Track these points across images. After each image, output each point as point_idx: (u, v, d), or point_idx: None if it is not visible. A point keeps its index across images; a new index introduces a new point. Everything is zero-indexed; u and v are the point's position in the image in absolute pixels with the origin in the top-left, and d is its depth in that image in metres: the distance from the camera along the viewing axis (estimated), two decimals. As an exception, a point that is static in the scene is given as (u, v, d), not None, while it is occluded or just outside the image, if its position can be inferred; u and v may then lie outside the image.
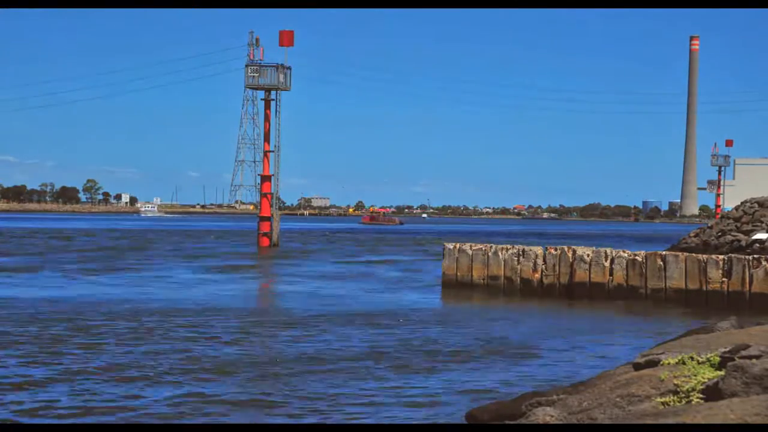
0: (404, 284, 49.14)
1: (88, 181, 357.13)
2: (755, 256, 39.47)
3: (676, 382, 10.84)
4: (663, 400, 10.46)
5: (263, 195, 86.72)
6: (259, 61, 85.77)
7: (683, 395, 10.38)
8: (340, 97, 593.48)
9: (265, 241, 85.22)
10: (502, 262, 42.72)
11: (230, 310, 34.43)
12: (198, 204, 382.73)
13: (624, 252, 41.09)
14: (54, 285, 43.92)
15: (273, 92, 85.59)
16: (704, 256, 39.50)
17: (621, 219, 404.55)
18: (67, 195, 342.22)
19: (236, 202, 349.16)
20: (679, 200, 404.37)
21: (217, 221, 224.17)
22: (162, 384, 20.23)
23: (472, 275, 43.26)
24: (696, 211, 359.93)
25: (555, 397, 12.77)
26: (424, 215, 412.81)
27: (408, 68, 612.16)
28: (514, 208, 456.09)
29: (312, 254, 78.58)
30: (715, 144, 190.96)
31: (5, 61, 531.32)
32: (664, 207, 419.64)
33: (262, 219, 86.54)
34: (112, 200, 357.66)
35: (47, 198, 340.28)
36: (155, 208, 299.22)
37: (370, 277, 54.21)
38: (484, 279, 43.06)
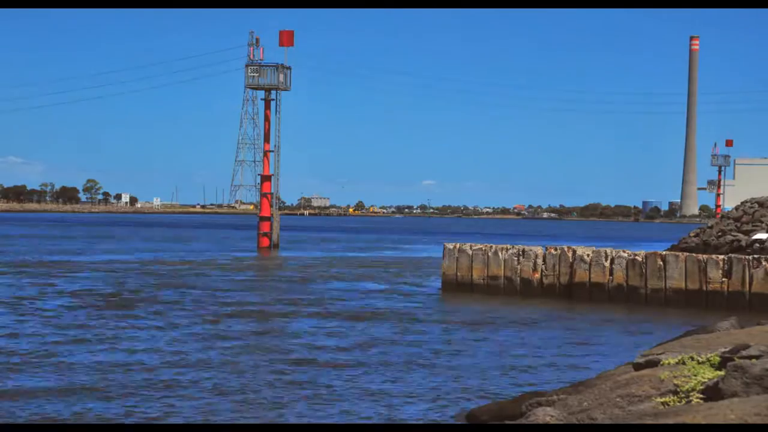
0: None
1: (88, 181, 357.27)
2: (755, 256, 39.43)
3: (676, 382, 10.83)
4: (663, 400, 10.46)
5: (263, 195, 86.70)
6: (259, 61, 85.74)
7: (683, 395, 10.38)
8: (340, 97, 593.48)
9: (265, 242, 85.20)
10: (502, 262, 42.62)
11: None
12: (198, 204, 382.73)
13: (624, 252, 40.97)
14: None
15: (273, 92, 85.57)
16: (704, 256, 39.44)
17: (621, 219, 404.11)
18: (67, 195, 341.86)
19: (236, 202, 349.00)
20: (679, 200, 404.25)
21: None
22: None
23: (471, 275, 43.16)
24: (696, 211, 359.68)
25: (555, 397, 12.78)
26: None
27: (408, 68, 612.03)
28: (514, 208, 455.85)
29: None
30: (715, 144, 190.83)
31: (5, 60, 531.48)
32: (664, 207, 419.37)
33: (262, 219, 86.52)
34: (112, 200, 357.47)
35: (47, 198, 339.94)
36: None
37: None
38: (484, 279, 42.98)
